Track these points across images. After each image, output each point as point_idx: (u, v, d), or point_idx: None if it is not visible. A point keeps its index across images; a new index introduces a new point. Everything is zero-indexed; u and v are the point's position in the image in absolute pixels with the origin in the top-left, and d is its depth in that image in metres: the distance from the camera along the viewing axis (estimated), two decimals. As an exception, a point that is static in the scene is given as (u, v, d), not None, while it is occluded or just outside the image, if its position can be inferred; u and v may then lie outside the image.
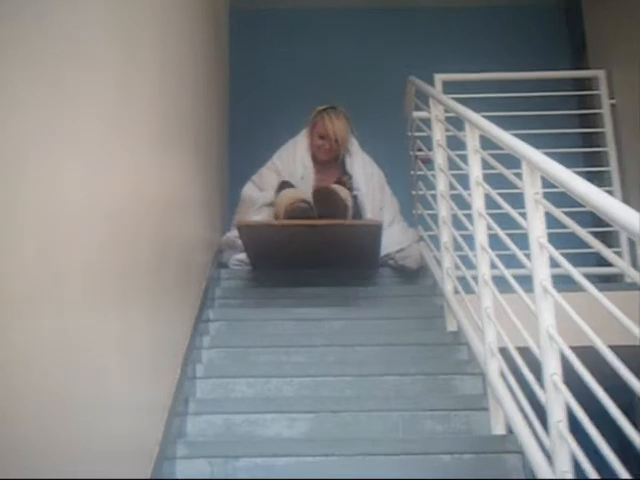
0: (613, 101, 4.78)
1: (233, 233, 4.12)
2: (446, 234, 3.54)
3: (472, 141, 2.98)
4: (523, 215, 2.35)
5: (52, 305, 1.53)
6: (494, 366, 2.69)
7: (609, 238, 4.32)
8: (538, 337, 2.18)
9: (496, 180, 2.89)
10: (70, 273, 1.64)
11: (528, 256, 2.29)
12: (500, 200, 2.68)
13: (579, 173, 2.06)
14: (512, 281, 2.50)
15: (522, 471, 2.47)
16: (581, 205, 1.97)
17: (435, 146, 3.71)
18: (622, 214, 1.73)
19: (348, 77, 5.77)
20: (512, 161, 2.47)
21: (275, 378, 3.06)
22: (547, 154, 2.24)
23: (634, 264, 4.06)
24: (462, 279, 3.30)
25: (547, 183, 2.23)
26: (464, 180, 3.14)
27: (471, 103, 3.28)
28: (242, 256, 4.06)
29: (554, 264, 2.18)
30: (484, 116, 2.96)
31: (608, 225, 3.07)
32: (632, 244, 4.15)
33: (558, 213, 2.16)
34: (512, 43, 5.82)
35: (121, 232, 2.06)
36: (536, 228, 2.23)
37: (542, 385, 2.17)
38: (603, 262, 3.89)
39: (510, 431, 2.54)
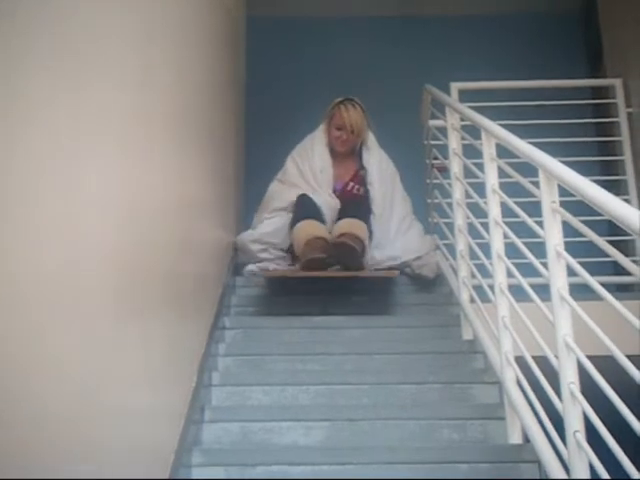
0: (630, 109, 4.77)
1: (247, 234, 4.15)
2: (462, 242, 3.54)
3: (488, 149, 2.98)
4: (539, 223, 2.34)
5: (72, 316, 1.54)
6: (510, 375, 2.68)
7: (626, 247, 4.30)
8: (555, 346, 2.17)
9: (512, 188, 2.89)
10: (90, 284, 1.65)
11: (545, 265, 2.28)
12: (517, 208, 2.67)
13: (595, 182, 2.05)
14: (529, 290, 2.50)
15: (539, 481, 2.46)
16: (597, 213, 1.96)
17: (451, 154, 3.71)
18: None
19: (364, 84, 5.76)
20: (528, 169, 2.47)
21: (291, 386, 3.06)
22: (563, 163, 2.24)
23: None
24: (478, 288, 3.29)
25: (563, 191, 2.23)
26: (480, 188, 3.14)
27: (487, 111, 3.28)
28: (254, 267, 4.08)
29: (571, 273, 2.17)
30: (500, 124, 2.96)
31: (625, 233, 3.06)
32: (650, 252, 4.14)
33: (575, 222, 2.16)
34: (528, 51, 5.82)
35: (139, 242, 2.07)
36: (553, 237, 2.22)
37: (559, 394, 2.16)
38: (620, 271, 3.86)
39: (527, 440, 2.53)
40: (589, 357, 2.06)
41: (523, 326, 2.54)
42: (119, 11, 1.89)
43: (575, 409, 2.08)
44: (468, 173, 3.54)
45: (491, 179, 2.93)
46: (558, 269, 2.20)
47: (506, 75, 4.83)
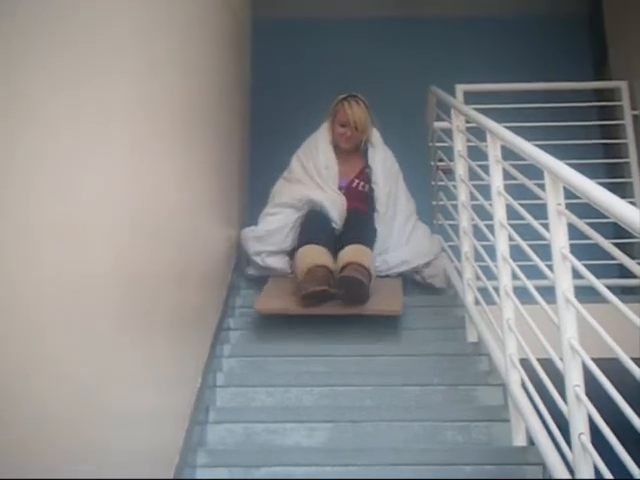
0: (635, 112, 4.76)
1: (248, 230, 4.08)
2: (467, 244, 3.53)
3: (493, 151, 2.97)
4: (545, 226, 2.34)
5: (72, 315, 1.54)
6: (515, 377, 2.68)
7: (631, 249, 4.29)
8: (560, 348, 2.16)
9: (517, 191, 2.88)
10: (90, 284, 1.65)
11: (550, 267, 2.28)
12: (522, 211, 2.67)
13: (600, 184, 2.05)
14: (534, 292, 2.49)
15: (543, 483, 2.46)
16: (603, 216, 1.96)
17: (456, 156, 3.71)
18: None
19: (367, 86, 5.74)
20: (534, 172, 2.46)
21: (295, 387, 3.06)
22: (568, 165, 2.24)
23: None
24: (483, 290, 3.28)
25: (568, 194, 2.22)
26: (485, 190, 3.14)
27: (492, 113, 3.28)
28: (252, 271, 4.06)
29: (576, 275, 2.17)
30: (505, 127, 2.96)
31: (631, 236, 3.05)
32: (655, 255, 4.12)
33: (581, 224, 2.16)
34: (534, 54, 5.81)
35: (141, 242, 2.07)
36: (559, 239, 2.22)
37: (564, 397, 2.15)
38: (626, 273, 3.85)
39: (531, 443, 2.53)
40: (594, 359, 2.05)
41: (528, 328, 2.53)
42: (120, 11, 1.89)
43: (580, 412, 2.07)
44: (473, 175, 3.54)
45: (496, 181, 2.93)
46: (563, 271, 2.19)
47: (511, 77, 4.83)
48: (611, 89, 5.10)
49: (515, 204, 2.76)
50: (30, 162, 1.32)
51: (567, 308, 2.15)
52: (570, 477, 2.12)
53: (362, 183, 4.22)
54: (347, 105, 4.22)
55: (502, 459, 2.57)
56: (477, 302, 3.36)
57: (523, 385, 2.62)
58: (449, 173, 4.11)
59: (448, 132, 3.96)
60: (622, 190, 4.51)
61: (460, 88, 4.65)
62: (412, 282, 4.02)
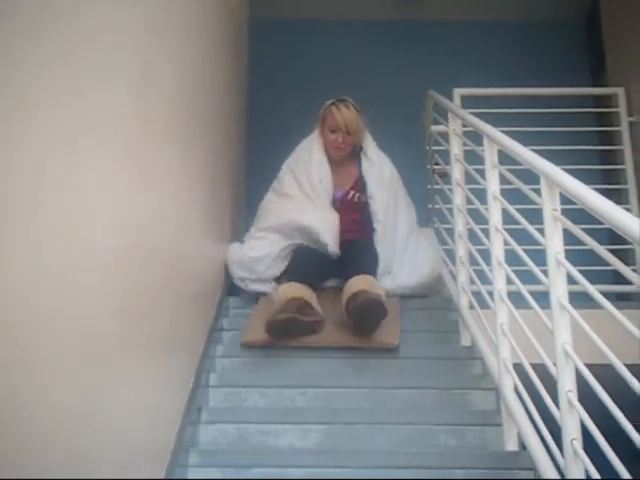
0: (632, 118, 4.78)
1: (232, 252, 3.89)
2: (462, 248, 3.54)
3: (490, 156, 2.98)
4: (540, 231, 2.35)
5: (72, 316, 1.54)
6: (508, 382, 2.68)
7: (626, 255, 4.30)
8: (554, 354, 2.17)
9: (513, 195, 2.89)
10: (90, 285, 1.65)
11: (545, 272, 2.28)
12: (517, 215, 2.67)
13: (596, 190, 2.05)
14: (528, 297, 2.50)
15: (534, 488, 2.46)
16: (598, 222, 1.96)
17: (453, 160, 3.71)
18: (641, 232, 1.73)
19: (366, 89, 5.75)
20: (530, 177, 2.47)
21: (288, 389, 3.06)
22: (564, 171, 2.24)
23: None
24: (477, 294, 3.29)
25: (564, 199, 2.23)
26: (481, 195, 3.14)
27: (489, 118, 3.28)
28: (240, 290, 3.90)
29: (571, 281, 2.17)
30: (502, 131, 2.96)
31: (626, 242, 3.06)
32: (649, 262, 4.14)
33: (576, 230, 2.16)
34: (531, 59, 5.82)
35: (138, 246, 2.07)
36: (554, 244, 2.22)
37: (556, 402, 2.16)
38: (620, 280, 3.86)
39: (523, 447, 2.53)
40: (587, 365, 2.06)
41: (522, 333, 2.54)
42: (119, 11, 1.89)
43: (573, 417, 2.08)
44: (469, 179, 3.54)
45: (492, 185, 2.94)
46: (558, 277, 2.20)
47: (508, 82, 4.83)
48: (608, 95, 5.11)
49: (511, 209, 2.77)
50: (30, 163, 1.32)
51: (561, 313, 2.16)
52: (562, 482, 2.13)
53: (357, 194, 4.01)
54: (336, 109, 4.01)
55: (494, 463, 2.58)
56: (471, 306, 3.36)
57: (516, 390, 2.62)
58: (445, 177, 4.11)
59: (445, 136, 3.96)
60: (618, 196, 4.52)
61: (458, 92, 4.66)
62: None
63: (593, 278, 2.18)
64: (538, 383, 2.37)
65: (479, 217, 3.23)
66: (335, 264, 3.79)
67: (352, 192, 4.01)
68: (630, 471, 1.75)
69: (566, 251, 2.23)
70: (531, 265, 2.50)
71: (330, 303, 3.61)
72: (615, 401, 1.85)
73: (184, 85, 2.77)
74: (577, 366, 2.09)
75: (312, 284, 3.63)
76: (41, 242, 1.37)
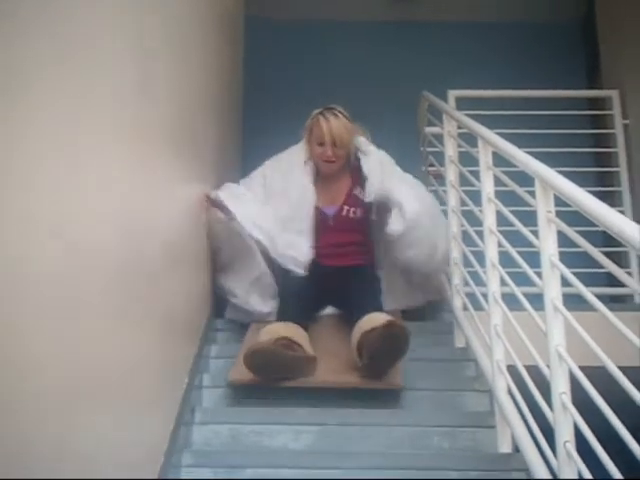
0: (626, 121, 4.79)
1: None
2: (456, 250, 3.54)
3: (485, 157, 2.98)
4: (534, 233, 2.35)
5: (71, 316, 1.54)
6: (502, 384, 2.68)
7: (619, 258, 4.31)
8: (547, 356, 2.17)
9: (508, 197, 2.89)
10: (89, 287, 1.64)
11: (539, 274, 2.29)
12: (512, 217, 2.67)
13: (590, 192, 2.06)
14: (522, 299, 2.50)
15: (528, 490, 2.46)
16: (592, 224, 1.97)
17: (447, 162, 3.71)
18: (635, 234, 1.73)
19: (361, 90, 5.78)
20: (524, 179, 2.47)
21: (282, 389, 3.05)
22: (559, 173, 2.24)
23: (644, 285, 4.05)
24: (471, 296, 3.29)
25: (558, 201, 2.23)
26: (476, 196, 3.14)
27: (484, 120, 3.29)
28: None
29: (565, 283, 2.18)
30: (497, 133, 2.96)
31: (620, 245, 3.07)
32: (642, 264, 4.15)
33: (571, 232, 2.16)
34: (526, 61, 5.83)
35: (135, 243, 2.06)
36: (548, 246, 2.23)
37: (550, 404, 2.16)
38: (614, 282, 3.88)
39: (517, 449, 2.53)
40: (581, 367, 2.06)
41: (515, 335, 2.54)
42: (118, 13, 1.89)
43: (566, 419, 2.08)
44: (464, 181, 3.54)
45: (487, 187, 2.94)
46: (552, 279, 2.20)
47: (503, 84, 4.85)
48: (603, 98, 5.12)
49: (505, 211, 2.77)
50: (30, 163, 1.32)
51: (555, 315, 2.16)
52: (555, 484, 2.13)
53: (353, 209, 3.61)
54: (322, 119, 3.60)
55: (487, 465, 2.58)
56: (465, 308, 3.37)
57: (510, 392, 2.62)
58: (439, 178, 4.11)
59: (439, 137, 3.96)
60: (611, 199, 4.53)
61: (452, 94, 4.66)
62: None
63: (587, 280, 2.18)
64: (532, 385, 2.37)
65: (473, 219, 3.23)
66: (331, 294, 3.51)
67: (346, 207, 3.63)
68: (623, 473, 1.75)
69: (560, 253, 2.23)
70: (525, 267, 2.50)
71: (327, 333, 3.36)
72: (608, 403, 1.85)
73: (182, 87, 2.77)
74: (570, 368, 2.09)
75: (304, 322, 3.26)
76: (41, 242, 1.37)
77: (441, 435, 2.76)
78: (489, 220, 2.88)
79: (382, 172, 3.66)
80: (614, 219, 1.85)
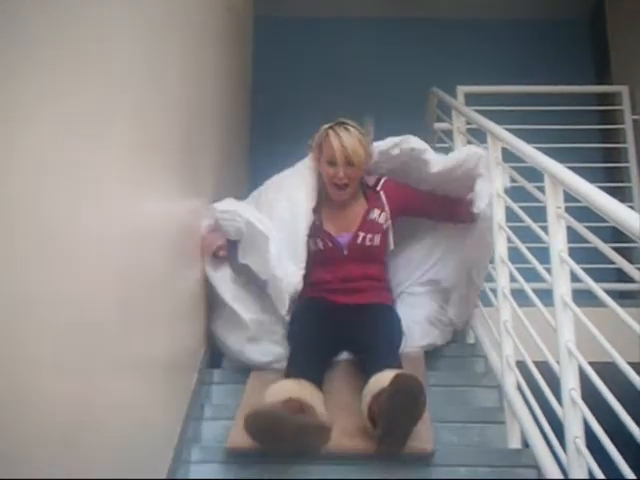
0: (636, 117, 4.78)
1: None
2: (465, 246, 3.52)
3: (494, 153, 2.97)
4: (544, 229, 2.34)
5: (72, 315, 1.54)
6: (511, 379, 2.68)
7: (630, 254, 4.30)
8: (557, 352, 2.17)
9: (517, 193, 2.89)
10: (91, 286, 1.65)
11: (548, 270, 2.28)
12: (521, 213, 2.67)
13: (600, 188, 2.05)
14: (532, 295, 2.50)
15: (537, 485, 2.46)
16: (602, 220, 1.96)
17: (456, 158, 3.70)
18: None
19: (370, 87, 5.78)
20: (534, 174, 2.46)
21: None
22: (568, 168, 2.24)
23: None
24: (481, 291, 3.29)
25: (568, 197, 2.23)
26: (485, 192, 3.13)
27: (493, 116, 3.28)
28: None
29: (574, 278, 2.17)
30: (506, 129, 2.96)
31: (629, 240, 3.06)
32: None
33: (580, 228, 2.16)
34: (535, 57, 5.81)
35: (139, 246, 2.07)
36: (558, 242, 2.22)
37: (559, 400, 2.16)
38: (624, 278, 3.86)
39: (526, 445, 2.53)
40: (590, 363, 2.06)
41: (525, 331, 2.54)
42: (123, 10, 1.89)
43: (575, 415, 2.08)
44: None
45: (496, 183, 2.93)
46: (562, 275, 2.19)
47: (512, 80, 4.83)
48: (612, 93, 5.11)
49: (514, 206, 2.77)
50: (30, 163, 1.32)
51: (565, 311, 2.16)
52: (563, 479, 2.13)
53: (369, 235, 3.16)
54: (333, 135, 3.12)
55: (496, 461, 2.57)
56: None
57: (519, 387, 2.62)
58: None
59: (449, 133, 3.96)
60: (621, 194, 4.52)
61: (461, 90, 4.66)
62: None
63: (596, 276, 2.18)
64: (541, 381, 2.37)
65: (483, 215, 3.22)
66: (345, 339, 3.03)
67: (362, 234, 3.17)
68: (633, 469, 1.75)
69: (570, 249, 2.23)
70: (534, 263, 2.50)
71: (342, 384, 2.91)
72: (618, 399, 1.85)
73: (187, 86, 2.77)
74: (580, 364, 2.09)
75: (319, 377, 2.79)
76: (41, 240, 1.37)
77: (451, 430, 2.76)
78: (498, 216, 2.88)
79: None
80: (624, 214, 1.85)
